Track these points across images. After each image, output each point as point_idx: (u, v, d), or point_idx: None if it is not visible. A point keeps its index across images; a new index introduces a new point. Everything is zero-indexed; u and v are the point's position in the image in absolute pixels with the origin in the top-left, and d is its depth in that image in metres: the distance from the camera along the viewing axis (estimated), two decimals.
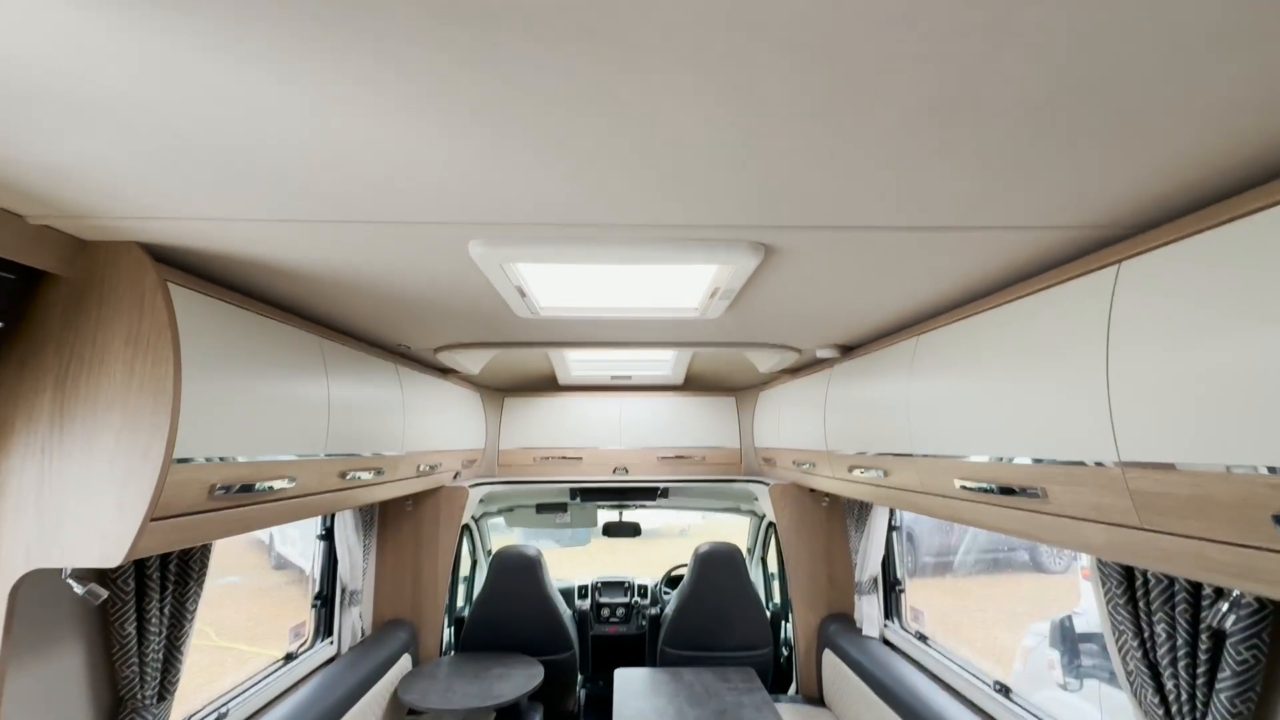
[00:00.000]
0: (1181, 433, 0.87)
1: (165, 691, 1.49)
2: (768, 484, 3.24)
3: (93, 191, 0.92)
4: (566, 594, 4.01)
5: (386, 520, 3.09)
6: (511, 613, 3.10)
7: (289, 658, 2.34)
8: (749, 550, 4.18)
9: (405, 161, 0.83)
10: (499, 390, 3.66)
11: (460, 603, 3.56)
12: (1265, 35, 0.56)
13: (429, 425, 2.58)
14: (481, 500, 3.74)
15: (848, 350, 2.26)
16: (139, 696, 1.41)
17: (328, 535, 2.67)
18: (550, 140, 0.77)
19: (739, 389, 3.70)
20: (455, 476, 3.15)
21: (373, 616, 2.99)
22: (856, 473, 2.13)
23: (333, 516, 2.65)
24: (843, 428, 2.23)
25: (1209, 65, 0.61)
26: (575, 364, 3.04)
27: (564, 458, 3.55)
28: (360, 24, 0.56)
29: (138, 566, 1.43)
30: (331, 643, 2.58)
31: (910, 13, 0.53)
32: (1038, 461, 1.18)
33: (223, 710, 1.86)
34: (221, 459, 1.25)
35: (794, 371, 2.86)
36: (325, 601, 2.62)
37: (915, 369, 1.68)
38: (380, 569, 3.05)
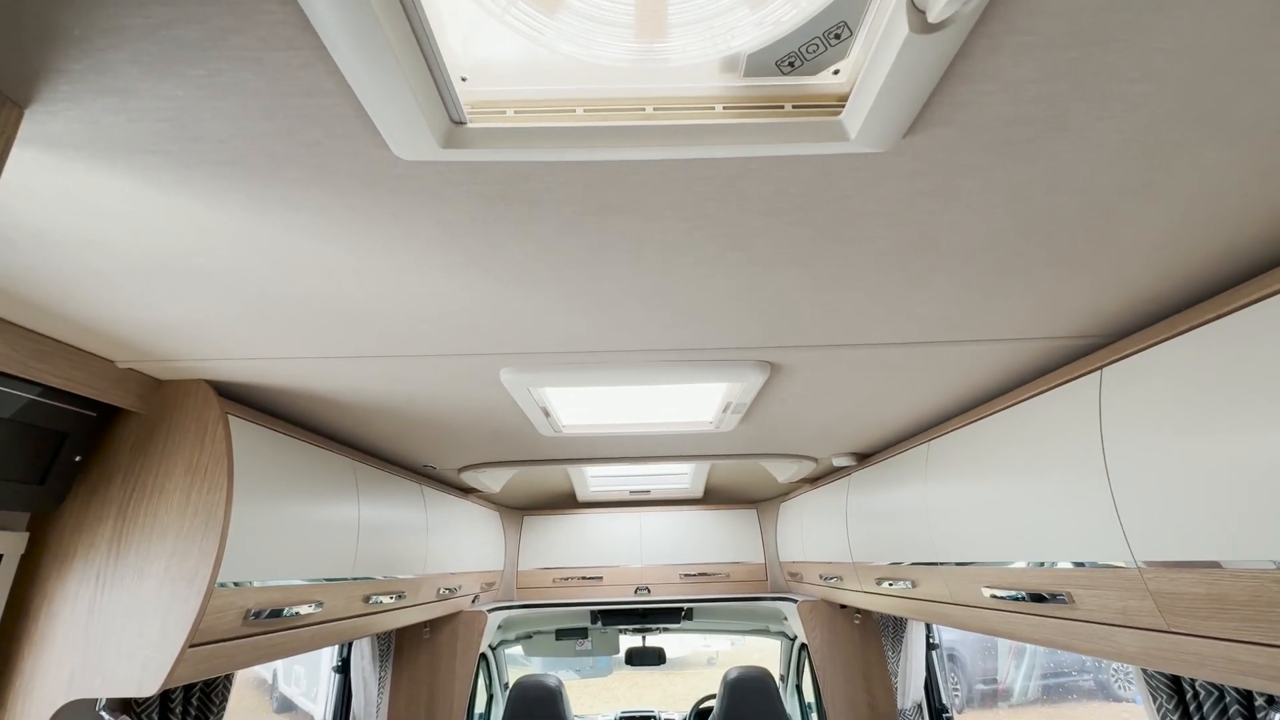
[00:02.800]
0: (1185, 529, 0.90)
1: None
2: (795, 601, 3.12)
3: (179, 340, 1.07)
4: None
5: (403, 649, 2.99)
6: None
7: None
8: (782, 677, 3.91)
9: (451, 308, 0.96)
10: (518, 509, 3.66)
11: None
12: (1173, 188, 0.68)
13: (450, 546, 2.59)
14: (500, 626, 3.61)
15: (864, 458, 2.29)
16: None
17: (344, 667, 2.59)
18: (578, 288, 0.90)
19: (759, 500, 3.67)
20: (474, 600, 3.09)
21: None
22: (885, 585, 2.08)
23: (350, 646, 2.58)
24: (866, 537, 2.21)
25: (1131, 210, 0.73)
26: (594, 480, 3.07)
27: (584, 578, 3.47)
28: (430, 208, 0.70)
29: (162, 700, 1.42)
30: None
31: (865, 186, 0.67)
32: (1055, 566, 1.19)
33: None
34: (257, 584, 1.30)
35: (813, 481, 2.86)
36: None
37: (930, 475, 1.72)
38: (394, 703, 2.90)
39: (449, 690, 2.95)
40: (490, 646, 3.70)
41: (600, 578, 3.45)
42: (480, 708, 3.52)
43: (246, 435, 1.31)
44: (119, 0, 0.45)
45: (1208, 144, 0.62)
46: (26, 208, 0.69)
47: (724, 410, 1.61)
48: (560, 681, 3.09)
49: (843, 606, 2.98)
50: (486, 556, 3.15)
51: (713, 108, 0.57)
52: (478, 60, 0.57)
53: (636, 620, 3.68)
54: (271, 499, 1.37)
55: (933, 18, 0.44)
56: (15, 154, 0.60)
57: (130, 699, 1.36)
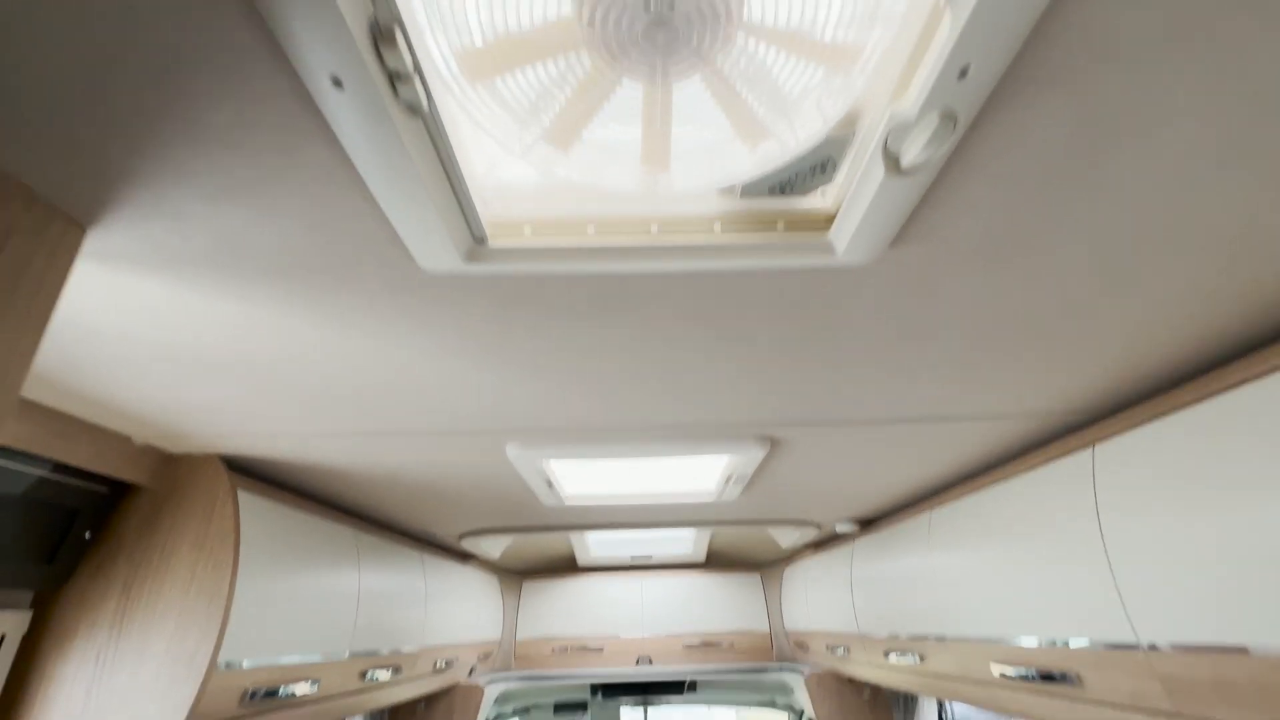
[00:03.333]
0: (1187, 610, 0.91)
1: None
2: (802, 673, 3.02)
3: (197, 417, 1.10)
4: None
5: None
6: None
7: None
8: None
9: (462, 391, 1.01)
10: (518, 574, 3.59)
11: None
12: (1141, 291, 0.73)
13: (448, 615, 2.54)
14: (496, 700, 3.48)
15: (867, 524, 2.29)
16: None
17: None
18: (584, 374, 0.95)
19: (763, 565, 3.61)
20: (470, 672, 2.99)
21: None
22: (893, 657, 2.03)
23: None
24: (872, 606, 2.18)
25: (1106, 307, 0.78)
26: (596, 545, 3.04)
27: (584, 648, 3.37)
28: (449, 312, 0.75)
29: None
30: None
31: (853, 292, 0.72)
32: (1065, 644, 1.18)
33: None
34: (256, 663, 1.28)
35: (817, 546, 2.83)
36: None
37: (933, 544, 1.71)
38: None
39: None
40: None
41: (601, 649, 3.35)
42: None
43: (254, 508, 1.32)
44: (186, 144, 0.51)
45: (1170, 254, 0.67)
46: (72, 309, 0.74)
47: (726, 481, 1.62)
48: None
49: (851, 680, 2.89)
50: (484, 625, 3.07)
51: (712, 227, 0.63)
52: (499, 184, 0.63)
53: (638, 693, 3.55)
54: (275, 573, 1.37)
55: (905, 164, 0.50)
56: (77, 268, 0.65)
57: None
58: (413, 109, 0.47)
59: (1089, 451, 1.12)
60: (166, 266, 0.65)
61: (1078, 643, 1.15)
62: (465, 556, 2.89)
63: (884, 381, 1.01)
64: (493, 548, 2.55)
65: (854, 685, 2.94)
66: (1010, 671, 1.36)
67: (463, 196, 0.60)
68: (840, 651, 2.55)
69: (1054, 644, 1.22)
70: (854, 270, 0.68)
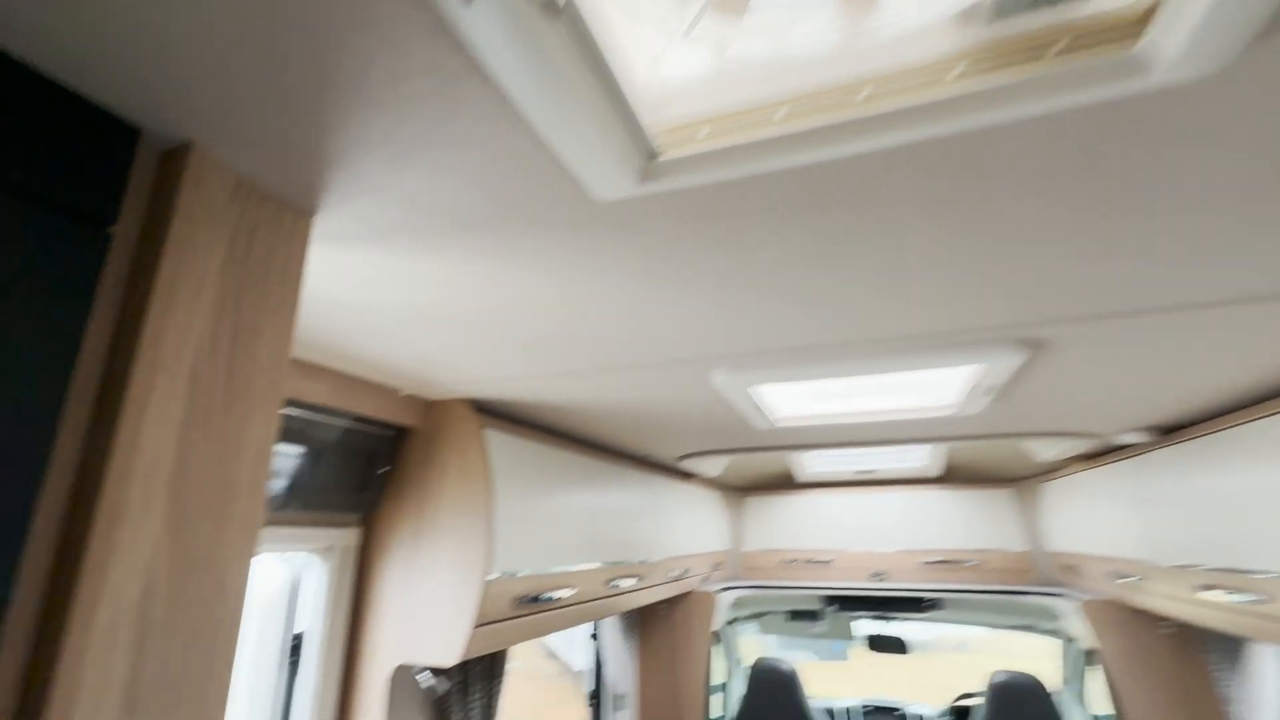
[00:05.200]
0: None
1: None
2: (1076, 599, 2.64)
3: (443, 370, 1.24)
4: (828, 716, 3.64)
5: (645, 626, 3.22)
6: None
7: None
8: (1066, 680, 3.37)
9: (657, 322, 0.97)
10: (739, 490, 3.68)
11: (717, 712, 3.47)
12: None
13: (676, 530, 2.70)
14: (732, 605, 3.69)
15: (1169, 432, 1.82)
16: None
17: (596, 636, 2.88)
18: (790, 287, 0.83)
19: (1014, 480, 3.18)
20: (704, 580, 3.19)
21: None
22: (1216, 594, 1.63)
23: (598, 622, 2.86)
24: (1178, 532, 1.76)
25: None
26: (815, 462, 2.94)
27: (811, 561, 3.37)
28: (631, 239, 0.70)
29: (461, 666, 1.71)
30: None
31: (1176, 127, 0.49)
32: None
33: None
34: (521, 574, 1.48)
35: (1089, 458, 2.38)
36: (597, 701, 2.78)
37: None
38: (643, 674, 3.15)
39: (688, 665, 3.10)
40: (724, 624, 3.81)
41: (829, 561, 3.32)
42: (719, 680, 3.65)
43: (500, 444, 1.49)
44: (357, 114, 0.50)
45: None
46: (322, 287, 0.85)
47: (972, 392, 1.39)
48: (794, 668, 3.05)
49: (1145, 612, 2.44)
50: (712, 538, 3.23)
51: (948, 73, 0.46)
52: (663, 84, 0.54)
53: (875, 608, 3.47)
54: (527, 497, 1.55)
55: None
56: (310, 252, 0.73)
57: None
58: (549, 7, 0.40)
59: None
60: (377, 239, 0.70)
61: None
62: (687, 475, 3.02)
63: (1219, 249, 0.72)
64: (711, 468, 2.62)
65: (1148, 619, 2.48)
66: None
67: (624, 108, 0.52)
68: (1130, 580, 2.15)
69: None
70: (1186, 91, 0.45)
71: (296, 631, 1.38)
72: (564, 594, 1.68)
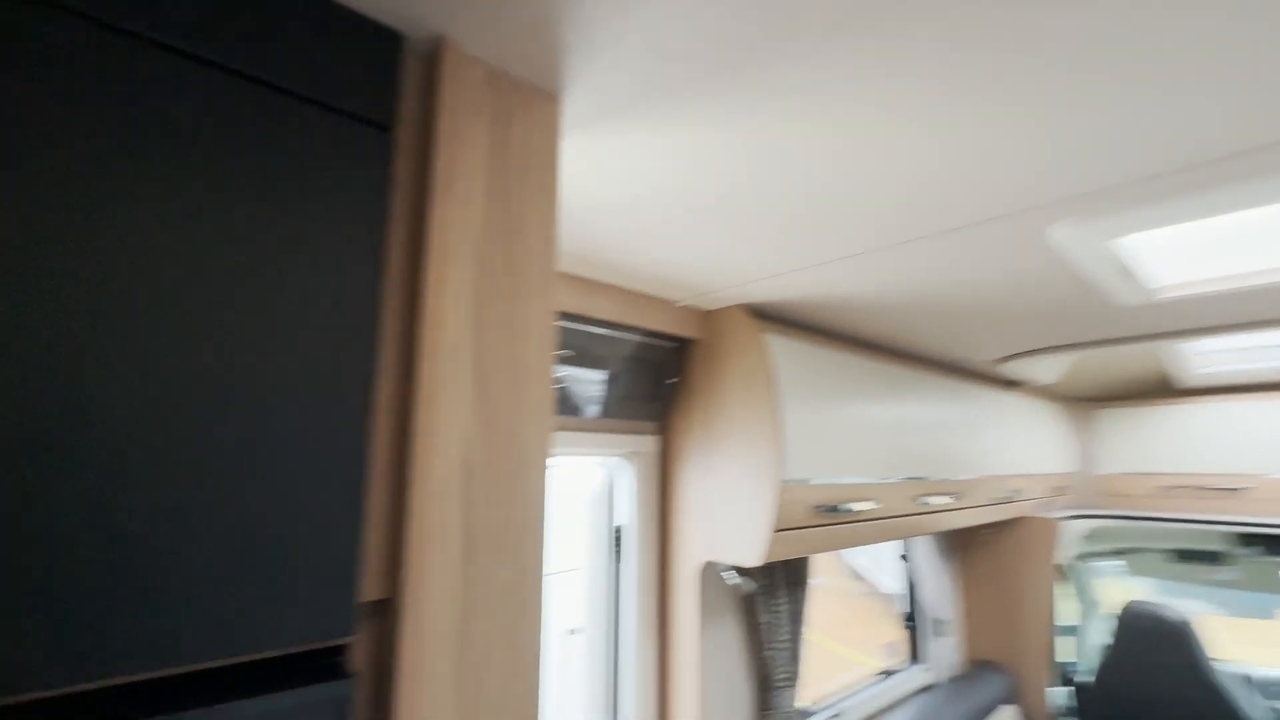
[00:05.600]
0: None
1: (794, 677, 1.75)
2: None
3: (715, 274, 1.21)
4: (1246, 683, 2.80)
5: (967, 552, 2.89)
6: (1157, 694, 2.36)
7: (886, 674, 2.42)
8: None
9: (983, 161, 0.75)
10: (1087, 400, 2.97)
11: (1068, 656, 2.96)
12: None
13: (1001, 446, 2.30)
14: (1086, 538, 3.06)
15: None
16: (777, 677, 1.70)
17: (907, 559, 2.69)
18: (1191, 59, 0.55)
19: None
20: (1042, 506, 2.69)
21: (964, 652, 2.81)
22: None
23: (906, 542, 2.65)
24: None
25: None
26: (1206, 358, 2.17)
27: (1207, 489, 2.55)
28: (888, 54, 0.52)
29: (767, 570, 1.74)
30: (926, 669, 2.54)
31: None
32: None
33: (837, 712, 2.06)
34: (816, 481, 1.41)
35: None
36: (913, 623, 2.62)
37: None
38: (968, 604, 2.86)
39: (1024, 599, 2.69)
40: (1073, 558, 3.20)
41: (1240, 490, 2.47)
42: (1069, 620, 3.10)
43: (782, 348, 1.42)
44: None
45: None
46: (581, 188, 0.86)
47: None
48: (1186, 620, 2.39)
49: None
50: (1049, 457, 2.68)
51: None
52: None
53: None
54: (814, 405, 1.46)
55: None
56: (563, 145, 0.73)
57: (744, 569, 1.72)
58: None
59: None
60: (625, 114, 0.66)
61: None
62: (1010, 384, 2.53)
63: None
64: (1043, 372, 2.13)
65: None
66: None
67: None
68: None
69: None
70: None
71: (617, 525, 1.57)
72: (864, 507, 1.56)
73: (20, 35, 0.28)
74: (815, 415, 1.44)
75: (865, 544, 1.63)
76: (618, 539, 1.56)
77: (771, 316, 1.50)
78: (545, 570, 0.51)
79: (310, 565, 0.36)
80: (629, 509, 1.54)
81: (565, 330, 1.30)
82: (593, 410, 1.43)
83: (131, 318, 0.30)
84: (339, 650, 0.39)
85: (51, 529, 0.27)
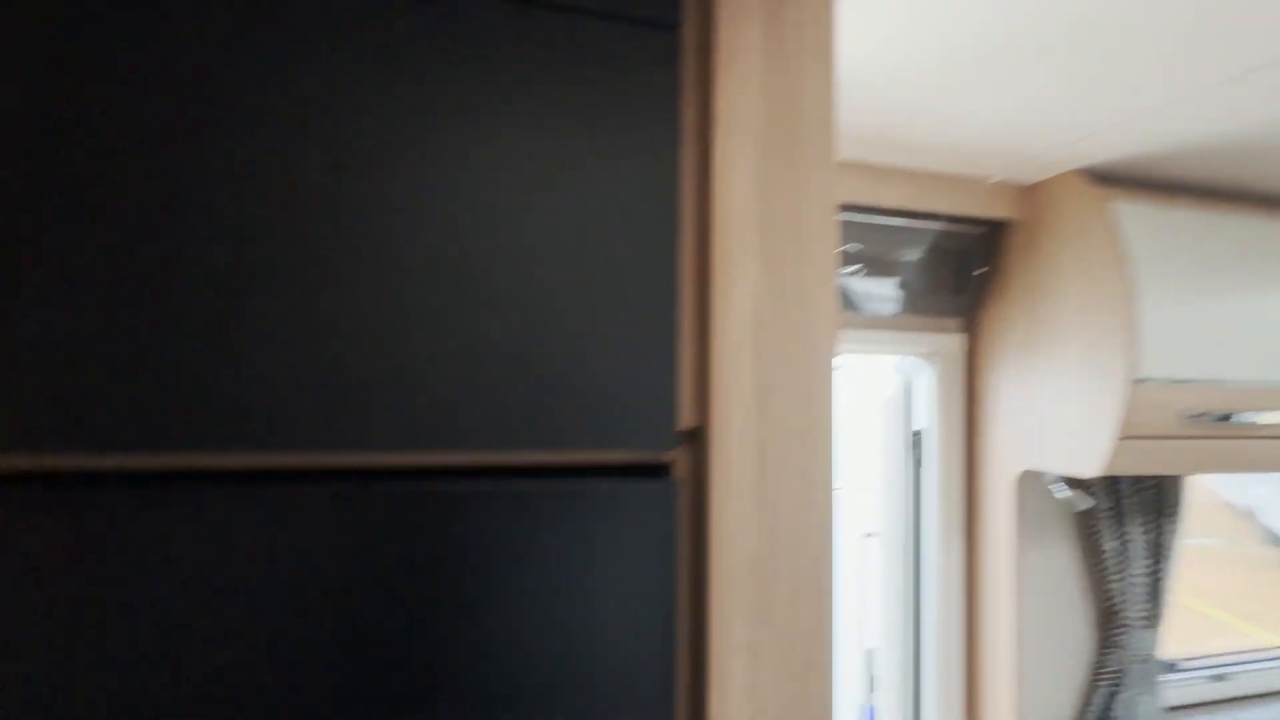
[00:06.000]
0: None
1: (1154, 619, 1.47)
2: None
3: (1035, 132, 1.03)
4: None
5: None
6: None
7: None
8: None
9: None
10: None
11: None
12: None
13: None
14: None
15: None
16: (1130, 614, 1.45)
17: None
18: None
19: None
20: None
21: None
22: None
23: None
24: None
25: None
26: None
27: None
28: None
29: (1113, 489, 1.47)
30: None
31: None
32: None
33: (1222, 674, 1.67)
34: (1188, 380, 1.12)
35: None
36: None
37: None
38: None
39: None
40: None
41: None
42: None
43: (1139, 218, 1.14)
44: None
45: None
46: (857, 54, 0.81)
47: None
48: None
49: None
50: None
51: None
52: None
53: None
54: (1186, 283, 1.14)
55: None
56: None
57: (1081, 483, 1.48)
58: None
59: None
60: None
61: None
62: None
63: None
64: None
65: None
66: None
67: None
68: None
69: None
70: None
71: (915, 429, 1.50)
72: (1271, 419, 1.18)
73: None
74: (1187, 297, 1.13)
75: (1268, 470, 1.24)
76: (916, 444, 1.50)
77: (1119, 179, 1.20)
78: (833, 423, 0.56)
79: (641, 393, 0.48)
80: (929, 412, 1.46)
81: (853, 224, 1.26)
82: (888, 308, 1.37)
83: (497, 209, 0.43)
84: (666, 466, 0.50)
85: (463, 346, 0.42)
